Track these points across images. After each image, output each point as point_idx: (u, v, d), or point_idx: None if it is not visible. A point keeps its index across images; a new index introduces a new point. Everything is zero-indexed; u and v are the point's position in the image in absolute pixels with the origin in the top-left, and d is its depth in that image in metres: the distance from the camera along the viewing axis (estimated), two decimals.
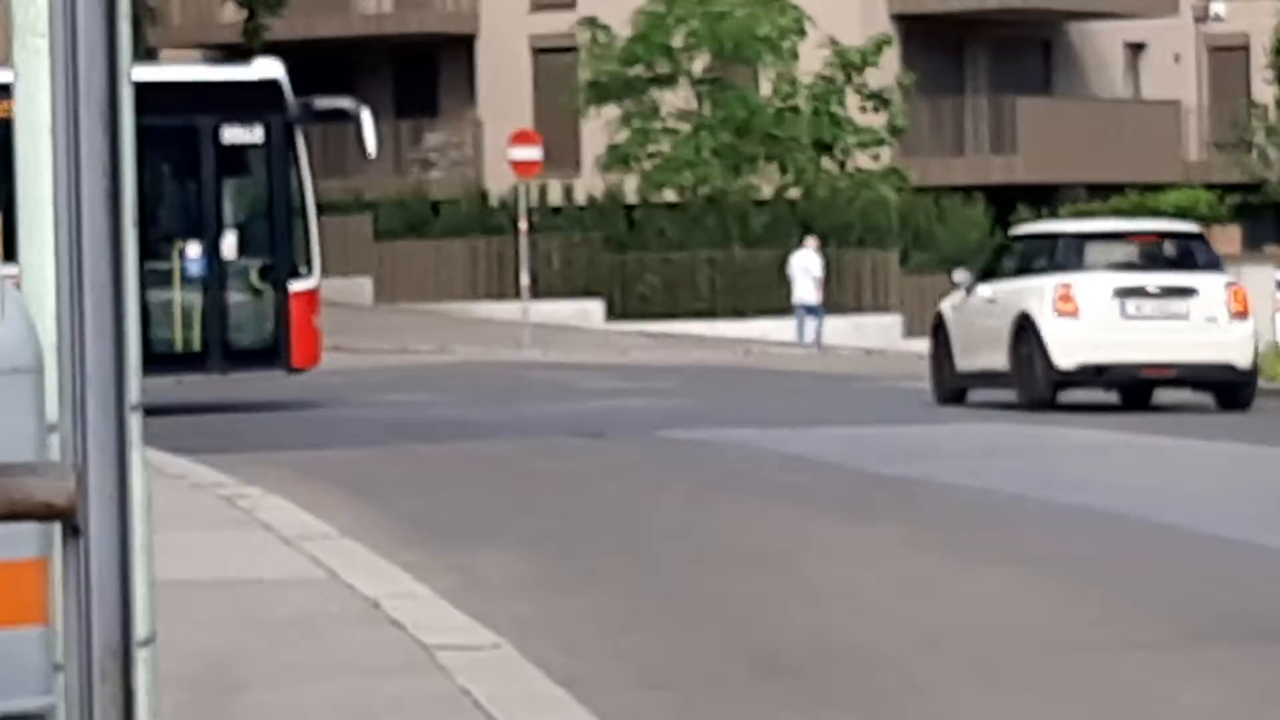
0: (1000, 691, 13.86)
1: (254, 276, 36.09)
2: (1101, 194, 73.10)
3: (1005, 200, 70.62)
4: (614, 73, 69.74)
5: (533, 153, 64.47)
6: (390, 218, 71.10)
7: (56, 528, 3.74)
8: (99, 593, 3.41)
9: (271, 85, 36.64)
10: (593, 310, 69.85)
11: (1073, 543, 20.75)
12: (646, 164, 69.41)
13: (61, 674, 4.38)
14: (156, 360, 34.61)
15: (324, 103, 39.30)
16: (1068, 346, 38.28)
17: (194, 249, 35.58)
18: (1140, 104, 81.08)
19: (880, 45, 68.33)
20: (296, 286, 35.77)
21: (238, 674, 12.43)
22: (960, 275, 43.48)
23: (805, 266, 62.05)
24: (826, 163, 68.30)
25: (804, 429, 32.39)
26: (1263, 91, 68.25)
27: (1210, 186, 73.53)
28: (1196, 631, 15.79)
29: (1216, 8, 79.25)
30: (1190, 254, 41.73)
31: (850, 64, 67.65)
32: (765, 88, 68.96)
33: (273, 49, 50.77)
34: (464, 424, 33.36)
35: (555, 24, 65.11)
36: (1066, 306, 38.75)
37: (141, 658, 5.21)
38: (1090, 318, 38.65)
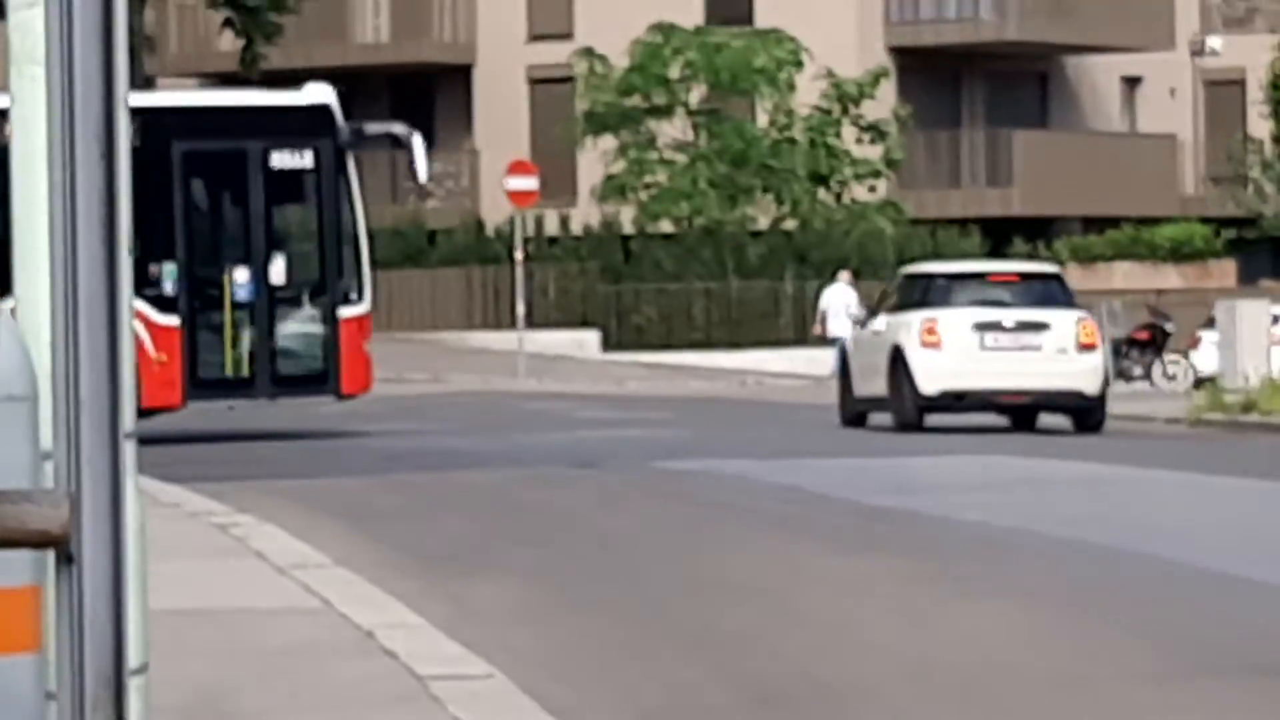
0: (995, 716, 13.90)
1: (304, 302, 35.97)
2: (1097, 227, 73.27)
3: (1001, 233, 70.69)
4: (611, 103, 69.71)
5: (529, 183, 64.02)
6: (386, 246, 70.84)
7: (50, 555, 3.75)
8: (91, 621, 3.42)
9: (322, 110, 36.34)
10: (588, 340, 69.81)
11: (1064, 576, 20.77)
12: (643, 194, 69.47)
13: (54, 702, 4.38)
14: (206, 385, 35.57)
15: (374, 127, 39.65)
16: (931, 375, 42.80)
17: (244, 274, 35.22)
18: (1136, 137, 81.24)
19: (877, 78, 68.43)
20: (347, 313, 35.47)
21: (230, 704, 12.45)
22: (858, 312, 50.13)
23: (845, 301, 61.67)
24: (822, 194, 68.44)
25: (798, 460, 32.42)
26: (1258, 126, 68.42)
27: (1206, 220, 73.72)
28: (1195, 666, 15.81)
29: (1212, 42, 79.35)
30: (1046, 292, 45.85)
31: (847, 96, 67.75)
32: (762, 119, 69.02)
33: (270, 78, 50.73)
34: (458, 453, 33.36)
35: (552, 54, 65.32)
36: (931, 339, 43.14)
37: (134, 686, 5.22)
38: (952, 349, 43.00)
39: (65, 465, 3.35)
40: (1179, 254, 70.64)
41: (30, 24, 5.37)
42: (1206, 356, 55.32)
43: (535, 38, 71.75)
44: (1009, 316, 44.81)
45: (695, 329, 68.24)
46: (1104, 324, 60.53)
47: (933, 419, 44.24)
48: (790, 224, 69.04)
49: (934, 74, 75.88)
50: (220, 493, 24.67)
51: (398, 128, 41.59)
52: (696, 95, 69.36)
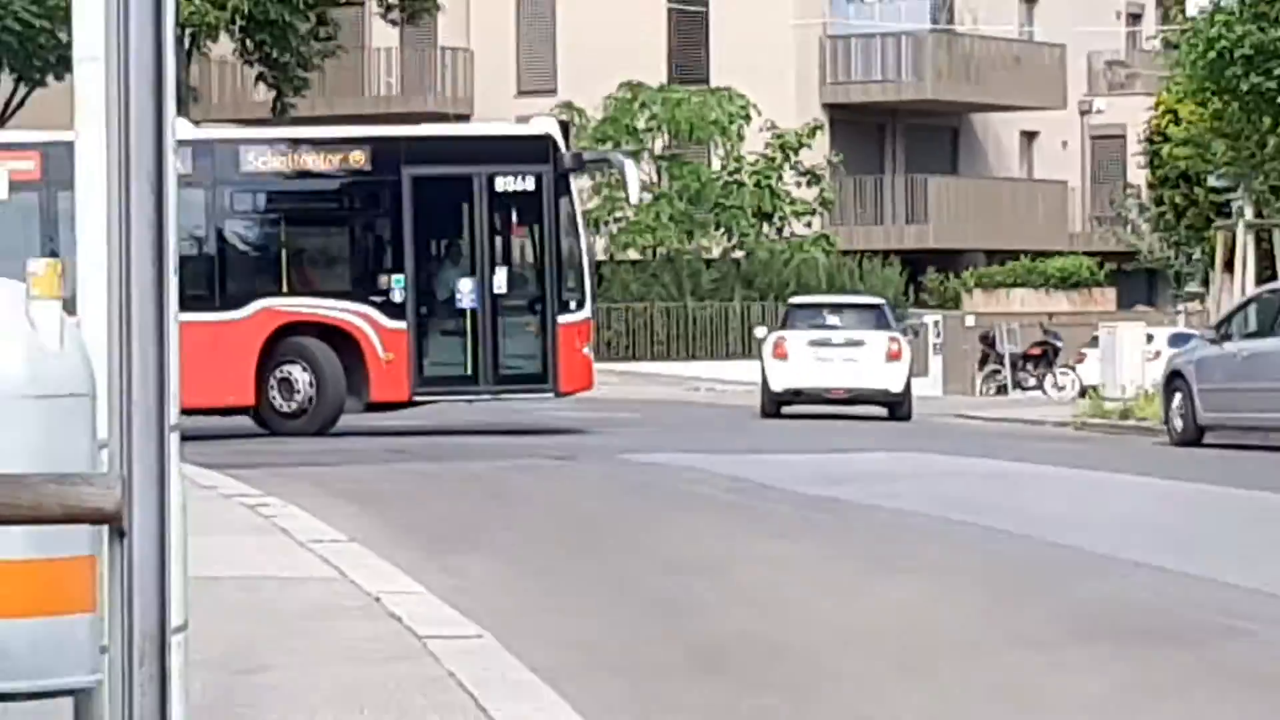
0: (907, 680, 13.87)
1: (525, 309, 35.81)
2: (999, 259, 73.35)
3: (917, 263, 70.96)
4: (587, 149, 69.40)
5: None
6: None
7: (104, 530, 3.73)
8: (139, 586, 3.39)
9: (547, 139, 36.20)
10: None
11: (966, 555, 20.75)
12: (613, 227, 69.28)
13: (107, 655, 4.38)
14: (431, 381, 35.78)
15: (591, 154, 41.54)
16: (779, 378, 48.86)
17: (469, 284, 35.14)
18: (1032, 183, 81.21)
19: (813, 130, 68.20)
20: (566, 319, 35.27)
21: (257, 658, 12.41)
22: (760, 330, 53.98)
23: None
24: (766, 229, 68.26)
25: (742, 455, 32.36)
26: (1136, 175, 68.47)
27: (1090, 254, 73.82)
28: (1076, 631, 15.82)
29: (1098, 103, 79.50)
30: (869, 318, 51.91)
31: (787, 145, 67.56)
32: (715, 164, 68.88)
33: (297, 123, 50.51)
34: (455, 446, 33.29)
35: (538, 107, 64.85)
36: (780, 352, 49.21)
37: (175, 643, 5.19)
38: (794, 359, 49.04)
39: (119, 453, 3.32)
40: (1068, 282, 70.73)
41: (92, 75, 5.40)
42: (1090, 370, 55.44)
43: (523, 93, 71.50)
44: (835, 335, 50.63)
45: (657, 342, 68.17)
46: (1003, 341, 60.81)
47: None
48: (738, 254, 68.85)
49: (861, 127, 75.71)
50: (252, 478, 24.63)
51: (612, 154, 44.60)
52: (660, 143, 69.11)
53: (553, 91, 70.14)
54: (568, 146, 36.63)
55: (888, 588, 18.42)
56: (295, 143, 37.94)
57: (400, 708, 11.93)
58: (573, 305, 35.39)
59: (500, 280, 35.26)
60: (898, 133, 77.90)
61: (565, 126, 38.55)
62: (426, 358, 35.44)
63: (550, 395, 36.45)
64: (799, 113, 69.81)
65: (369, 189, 36.53)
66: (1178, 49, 53.81)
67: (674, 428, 36.55)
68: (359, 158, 36.26)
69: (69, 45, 6.63)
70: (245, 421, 35.50)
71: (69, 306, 6.45)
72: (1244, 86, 47.05)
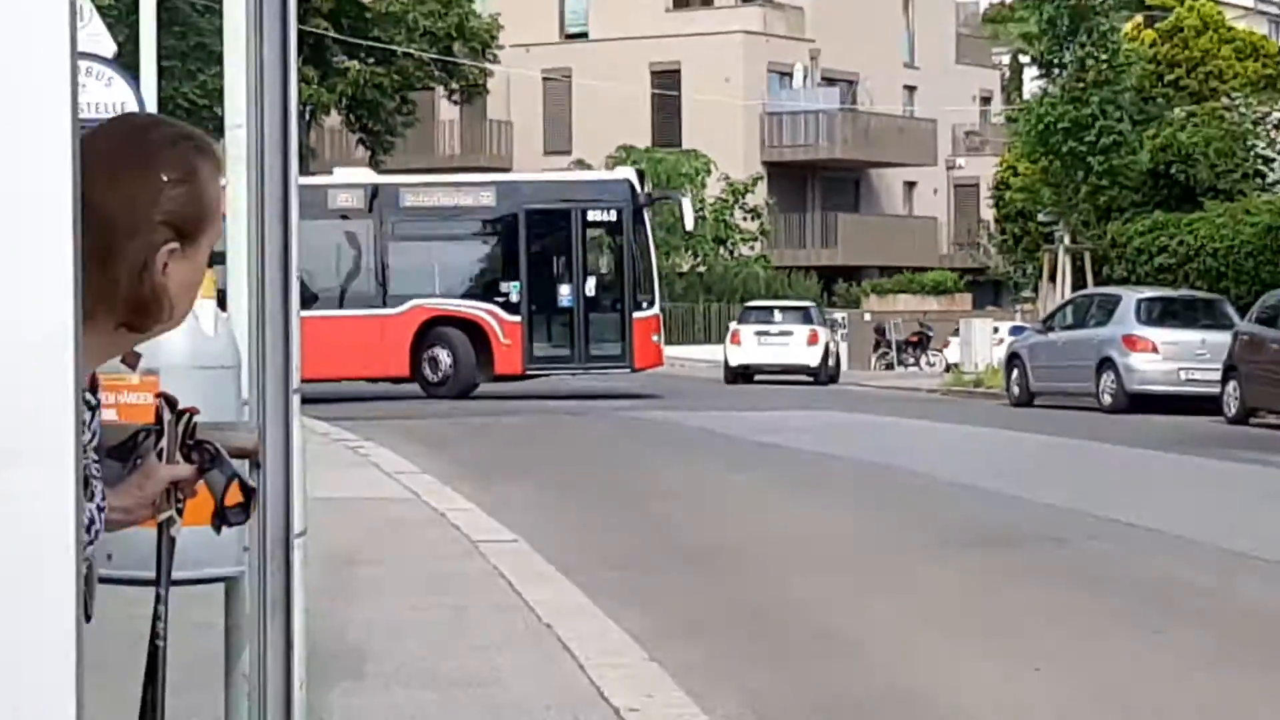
0: (823, 570, 13.97)
1: (609, 308, 36.17)
2: (889, 273, 73.50)
3: (830, 276, 71.39)
4: None
5: None
6: None
7: (246, 462, 3.72)
8: (270, 502, 3.37)
9: (626, 182, 36.88)
10: None
11: (866, 484, 20.85)
12: None
13: (248, 553, 4.41)
14: (539, 360, 36.43)
15: (659, 193, 41.30)
16: (735, 357, 49.77)
17: (566, 289, 36.07)
18: (912, 219, 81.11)
19: (755, 180, 68.17)
20: (639, 315, 35.87)
21: (358, 555, 12.47)
22: (735, 324, 52.28)
23: None
24: (722, 251, 68.40)
25: (706, 412, 32.38)
26: (986, 213, 68.54)
27: (953, 269, 74.10)
28: (945, 539, 15.89)
29: (959, 161, 79.74)
30: (801, 315, 52.07)
31: (737, 191, 67.54)
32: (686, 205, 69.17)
33: (386, 174, 50.49)
34: (496, 407, 33.40)
35: (559, 163, 64.64)
36: (735, 339, 50.28)
37: (297, 544, 5.20)
38: (744, 345, 49.80)
39: (256, 408, 3.30)
40: (937, 290, 70.93)
41: (238, 138, 5.53)
42: (953, 352, 55.39)
43: (548, 153, 71.18)
44: (773, 327, 50.84)
45: None
46: (890, 331, 60.97)
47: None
48: (702, 269, 68.79)
49: (790, 178, 75.49)
50: (356, 428, 24.72)
51: (673, 193, 44.62)
52: (646, 189, 69.19)
53: (569, 152, 69.89)
54: (642, 188, 37.02)
55: (809, 506, 18.58)
56: (441, 185, 39.12)
57: (460, 590, 11.97)
58: (644, 305, 35.85)
59: (590, 286, 35.93)
60: (816, 182, 77.73)
61: (641, 175, 39.01)
62: (535, 343, 36.12)
63: (627, 371, 36.82)
64: (745, 168, 69.74)
65: (494, 218, 37.10)
66: (1016, 122, 53.74)
67: (658, 392, 36.59)
68: (488, 196, 37.60)
69: (222, 118, 6.70)
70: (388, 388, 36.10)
71: (221, 303, 6.70)
72: (1064, 149, 47.11)
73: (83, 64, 21.20)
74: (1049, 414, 34.15)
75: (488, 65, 61.53)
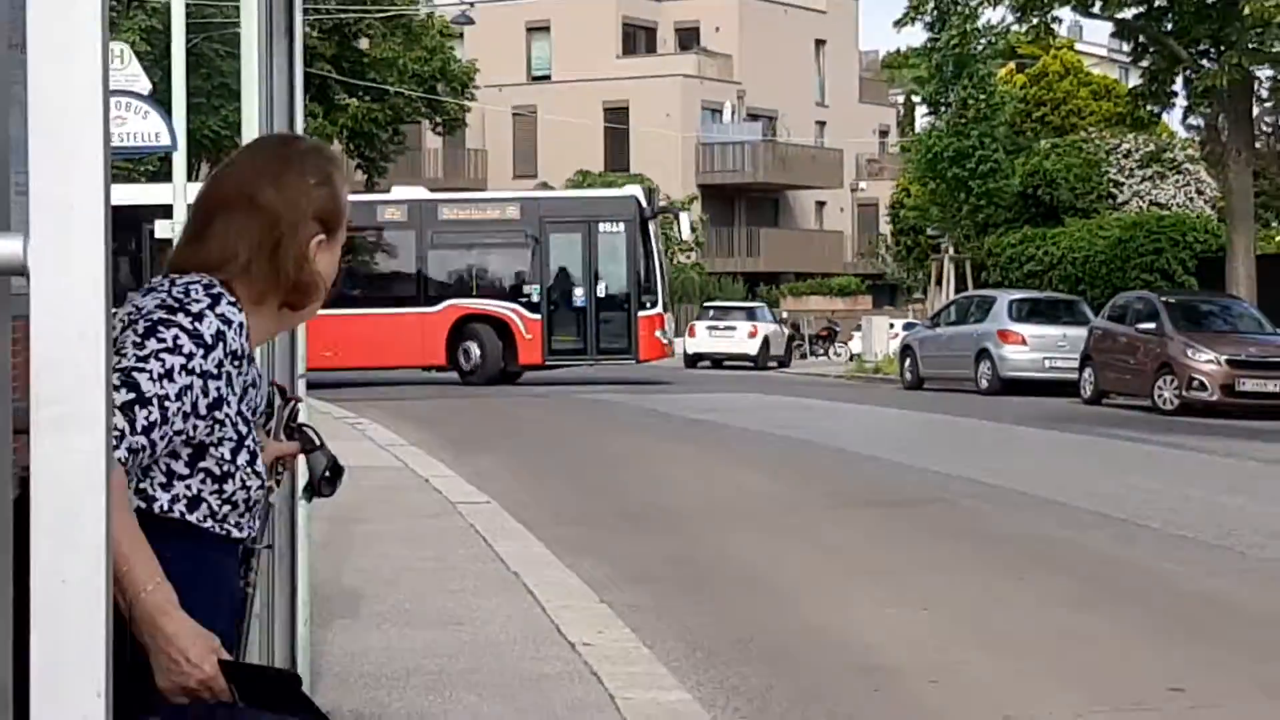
0: (747, 527, 13.98)
1: (617, 306, 35.44)
2: (803, 278, 73.49)
3: (754, 280, 71.20)
4: None
5: None
6: None
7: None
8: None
9: (633, 199, 36.05)
10: None
11: (783, 453, 20.83)
12: None
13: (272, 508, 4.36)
14: (557, 351, 35.78)
15: (662, 205, 38.83)
16: (690, 347, 48.77)
17: (580, 291, 35.49)
18: (823, 233, 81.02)
19: (691, 200, 67.96)
20: (643, 314, 35.14)
21: (355, 514, 12.39)
22: (694, 321, 52.55)
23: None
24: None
25: (653, 394, 32.36)
26: (884, 227, 68.66)
27: (856, 275, 74.01)
28: (845, 499, 15.92)
29: (862, 184, 79.72)
30: (742, 314, 52.80)
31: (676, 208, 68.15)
32: None
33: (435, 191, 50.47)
34: (471, 391, 33.29)
35: (526, 185, 64.48)
36: (691, 332, 49.89)
37: (300, 503, 5.17)
38: (699, 337, 49.65)
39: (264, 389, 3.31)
40: (843, 292, 70.73)
41: None
42: (856, 344, 55.40)
43: (517, 176, 70.92)
44: (723, 323, 51.18)
45: None
46: (804, 326, 60.89)
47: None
48: None
49: (720, 198, 75.38)
50: (355, 408, 24.60)
51: (672, 207, 42.73)
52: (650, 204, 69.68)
53: (535, 175, 69.81)
54: (649, 203, 36.07)
55: (735, 473, 18.50)
56: (472, 201, 39.50)
57: (442, 544, 11.97)
58: (648, 305, 35.02)
59: (601, 288, 35.29)
60: (742, 202, 77.67)
61: (649, 192, 38.36)
62: (554, 337, 35.53)
63: (633, 362, 36.07)
64: (683, 189, 69.57)
65: (517, 229, 36.32)
66: (909, 151, 53.91)
67: (617, 377, 36.36)
68: (513, 210, 37.05)
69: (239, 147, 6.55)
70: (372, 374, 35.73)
71: None
72: (948, 175, 47.25)
73: (123, 99, 21.06)
74: (935, 395, 34.27)
75: (466, 103, 61.38)
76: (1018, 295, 37.69)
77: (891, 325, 52.52)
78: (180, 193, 23.80)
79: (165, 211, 24.45)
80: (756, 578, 11.68)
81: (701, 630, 9.68)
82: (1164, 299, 31.88)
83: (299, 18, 5.00)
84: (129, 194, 28.64)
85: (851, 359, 53.74)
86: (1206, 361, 28.54)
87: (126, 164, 34.38)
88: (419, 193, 40.93)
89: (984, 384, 34.78)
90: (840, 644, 9.50)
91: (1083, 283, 42.21)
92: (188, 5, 26.16)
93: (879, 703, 8.17)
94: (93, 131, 1.83)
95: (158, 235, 23.86)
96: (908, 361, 38.42)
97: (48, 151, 1.84)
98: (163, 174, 28.63)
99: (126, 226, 27.75)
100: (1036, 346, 34.67)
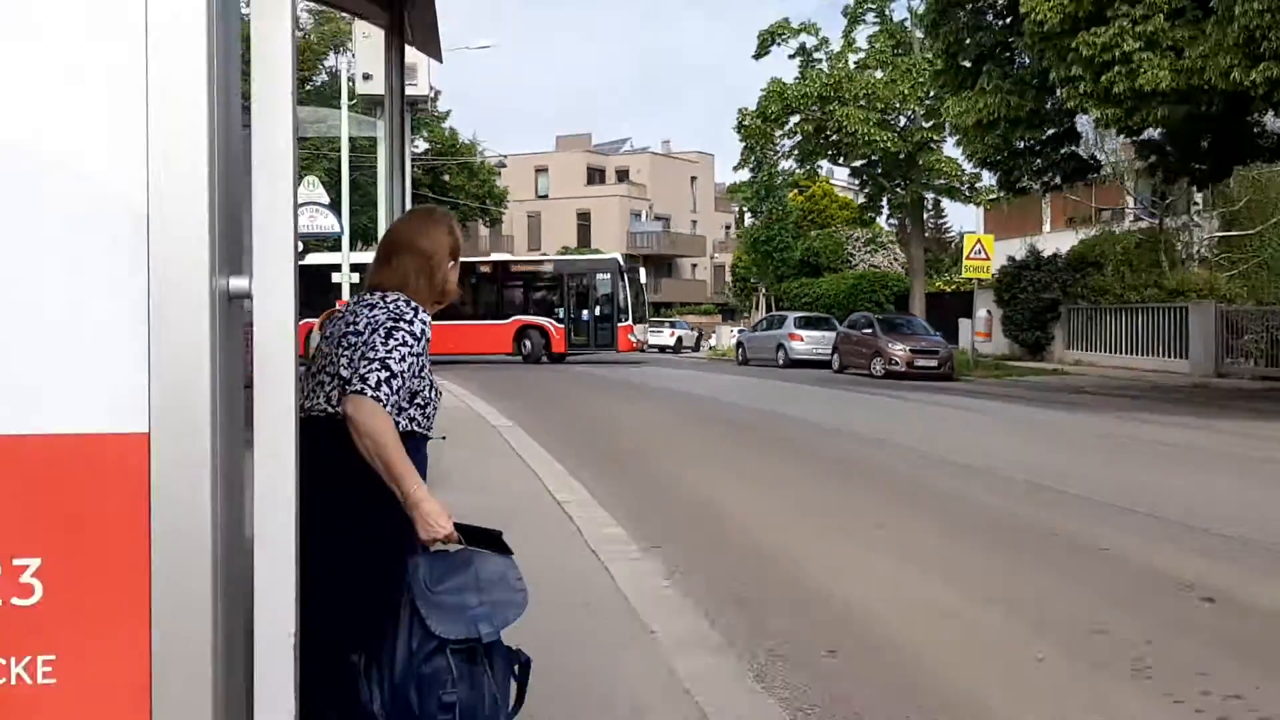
0: (649, 435, 13.89)
1: (605, 320, 33.94)
2: (684, 306, 72.83)
3: (659, 307, 70.33)
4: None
5: None
6: None
7: None
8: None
9: (616, 260, 35.12)
10: None
11: (681, 403, 20.67)
12: None
13: None
14: (574, 346, 33.91)
15: (630, 266, 35.53)
16: (633, 339, 36.89)
17: (585, 313, 34.20)
18: (695, 281, 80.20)
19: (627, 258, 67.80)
20: (621, 324, 33.65)
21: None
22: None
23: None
24: None
25: (618, 369, 32.00)
26: (728, 278, 67.93)
27: (714, 303, 73.25)
28: (717, 426, 15.85)
29: (716, 255, 79.12)
30: (670, 323, 49.14)
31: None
32: None
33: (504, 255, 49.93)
34: (524, 369, 32.81)
35: (536, 255, 64.54)
36: (629, 331, 37.86)
37: None
38: (636, 333, 36.01)
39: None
40: (707, 313, 69.95)
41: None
42: (713, 341, 55.20)
43: (529, 249, 70.39)
44: (655, 329, 46.63)
45: None
46: (689, 332, 60.52)
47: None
48: None
49: (642, 262, 75.43)
50: (452, 373, 24.16)
51: (637, 265, 37.68)
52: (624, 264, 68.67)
53: (540, 249, 69.17)
54: (625, 263, 34.99)
55: (648, 408, 18.18)
56: (527, 260, 38.22)
57: (484, 448, 11.82)
58: (624, 319, 33.60)
59: (597, 311, 34.04)
60: (652, 265, 77.63)
61: (624, 258, 36.89)
62: (571, 338, 34.09)
63: (615, 352, 34.23)
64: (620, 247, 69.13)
65: (550, 278, 35.25)
66: (741, 238, 53.91)
67: (608, 360, 35.24)
68: (548, 266, 36.68)
69: (377, 236, 6.35)
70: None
71: None
72: (762, 250, 47.38)
73: (314, 207, 20.76)
74: (756, 369, 34.19)
75: (501, 210, 60.87)
76: (799, 314, 37.85)
77: (732, 331, 52.50)
78: (345, 257, 23.42)
79: (336, 268, 24.18)
80: (655, 464, 11.67)
81: (625, 492, 9.66)
82: (876, 316, 32.16)
83: (409, 164, 4.96)
84: (320, 259, 28.90)
85: (711, 349, 53.70)
86: (899, 350, 28.76)
87: (317, 243, 33.96)
88: (500, 256, 41.02)
89: (781, 362, 34.83)
90: (699, 498, 9.49)
91: (833, 308, 42.31)
92: (351, 155, 25.91)
93: (722, 525, 8.16)
94: (286, 219, 1.82)
95: (334, 280, 23.69)
96: (740, 350, 38.45)
97: (263, 229, 1.83)
98: (335, 247, 28.40)
99: (319, 274, 27.47)
100: (810, 341, 34.83)
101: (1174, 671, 5.07)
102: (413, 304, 3.08)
